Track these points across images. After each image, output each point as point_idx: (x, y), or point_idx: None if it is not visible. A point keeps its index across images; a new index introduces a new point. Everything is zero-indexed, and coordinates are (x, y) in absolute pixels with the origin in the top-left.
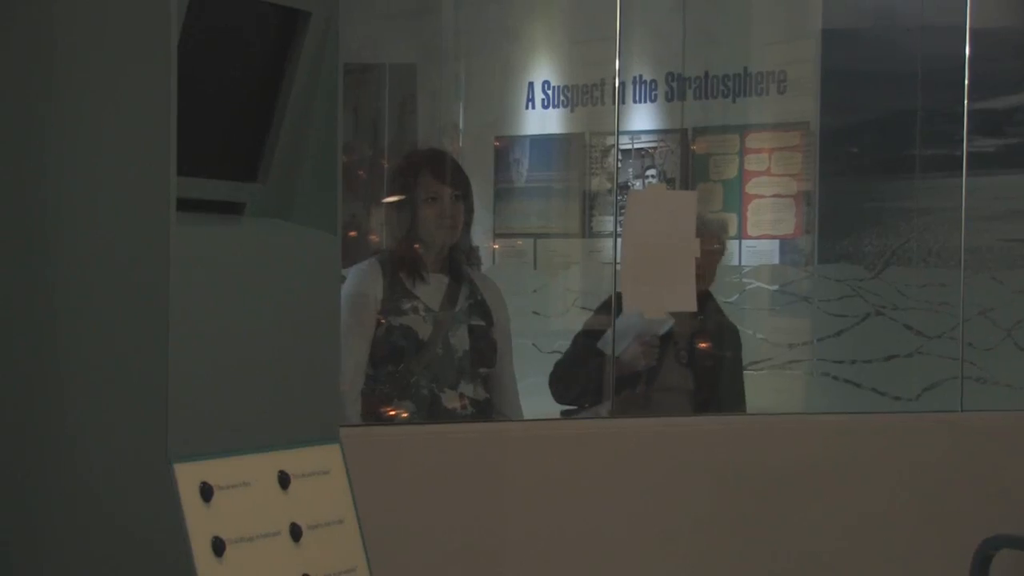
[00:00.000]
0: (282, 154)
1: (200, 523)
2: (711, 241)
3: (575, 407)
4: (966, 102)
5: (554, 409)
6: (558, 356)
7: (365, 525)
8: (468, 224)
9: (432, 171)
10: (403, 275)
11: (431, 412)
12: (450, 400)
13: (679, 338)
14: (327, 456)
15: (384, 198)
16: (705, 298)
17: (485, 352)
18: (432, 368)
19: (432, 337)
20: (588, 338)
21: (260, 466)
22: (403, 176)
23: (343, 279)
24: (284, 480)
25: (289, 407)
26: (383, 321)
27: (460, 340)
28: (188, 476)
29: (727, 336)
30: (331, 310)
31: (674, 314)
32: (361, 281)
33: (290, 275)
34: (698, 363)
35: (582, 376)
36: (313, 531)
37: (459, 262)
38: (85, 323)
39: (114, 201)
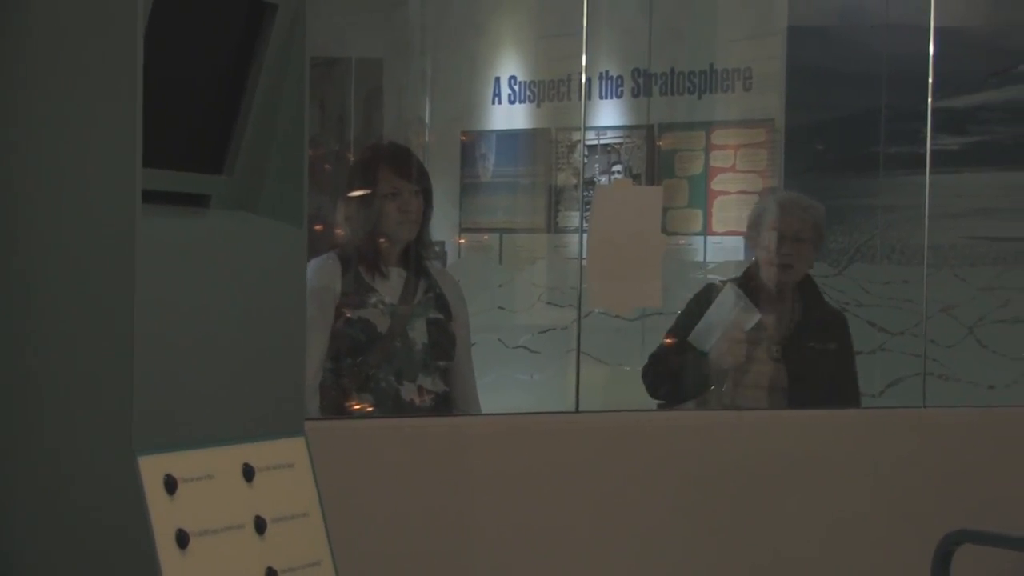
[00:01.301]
0: (248, 147)
1: (164, 516)
2: (799, 227)
3: (665, 401)
4: (929, 100)
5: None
6: (524, 351)
7: (330, 518)
8: (428, 219)
9: (392, 166)
10: (362, 269)
11: (390, 405)
12: (408, 393)
13: (773, 332)
14: (292, 449)
15: (347, 192)
16: (804, 289)
17: (444, 345)
18: (391, 361)
19: (390, 330)
20: (678, 333)
21: (224, 459)
22: (364, 170)
23: None
24: (249, 473)
25: (254, 400)
26: (343, 314)
27: (419, 333)
28: (152, 468)
29: (832, 327)
30: (297, 303)
31: (769, 307)
32: (320, 275)
33: (256, 268)
34: (795, 358)
35: (670, 371)
36: (277, 524)
37: (418, 256)
38: (50, 315)
39: (80, 193)
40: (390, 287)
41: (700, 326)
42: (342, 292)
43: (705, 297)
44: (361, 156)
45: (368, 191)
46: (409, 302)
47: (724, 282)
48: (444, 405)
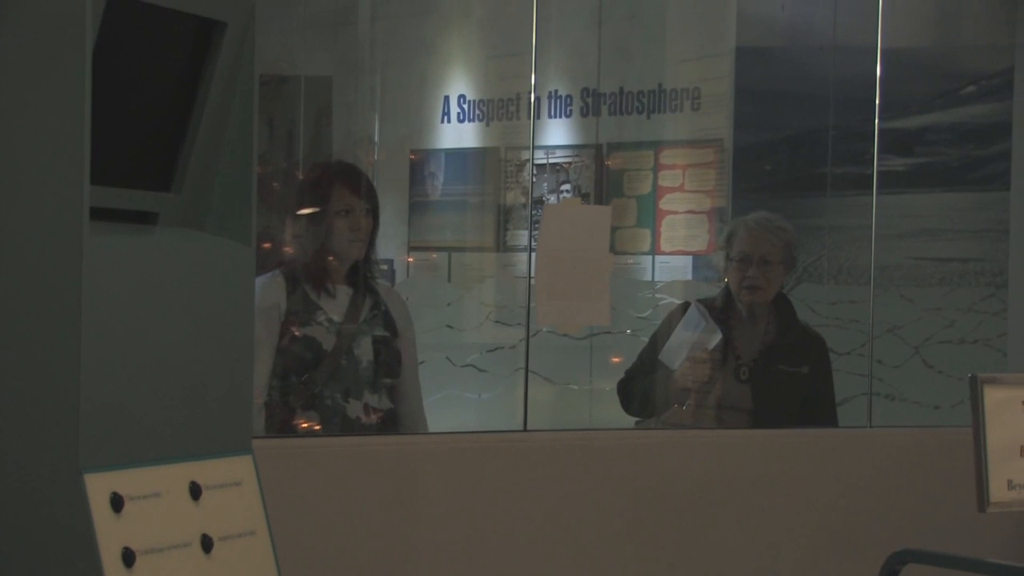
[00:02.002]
0: (197, 164)
1: (110, 533)
2: (767, 249)
3: (640, 418)
4: (876, 121)
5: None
6: (472, 370)
7: (277, 536)
8: (375, 237)
9: (346, 183)
10: (308, 287)
11: (337, 423)
12: (355, 410)
13: (741, 353)
14: (239, 467)
15: (296, 210)
16: (779, 310)
17: (390, 363)
18: (336, 379)
19: (336, 348)
20: (651, 349)
21: (171, 477)
22: (316, 188)
23: None
24: (195, 491)
25: (201, 418)
26: (289, 332)
27: (364, 351)
28: (99, 486)
29: (806, 349)
30: (245, 321)
31: (739, 328)
32: (266, 292)
33: (204, 286)
34: (763, 380)
35: (641, 387)
36: (224, 542)
37: (365, 275)
38: None
39: (27, 209)
40: (336, 305)
41: (670, 344)
42: (288, 310)
43: (677, 315)
44: (312, 173)
45: (319, 208)
46: (355, 320)
47: (694, 301)
48: (390, 423)
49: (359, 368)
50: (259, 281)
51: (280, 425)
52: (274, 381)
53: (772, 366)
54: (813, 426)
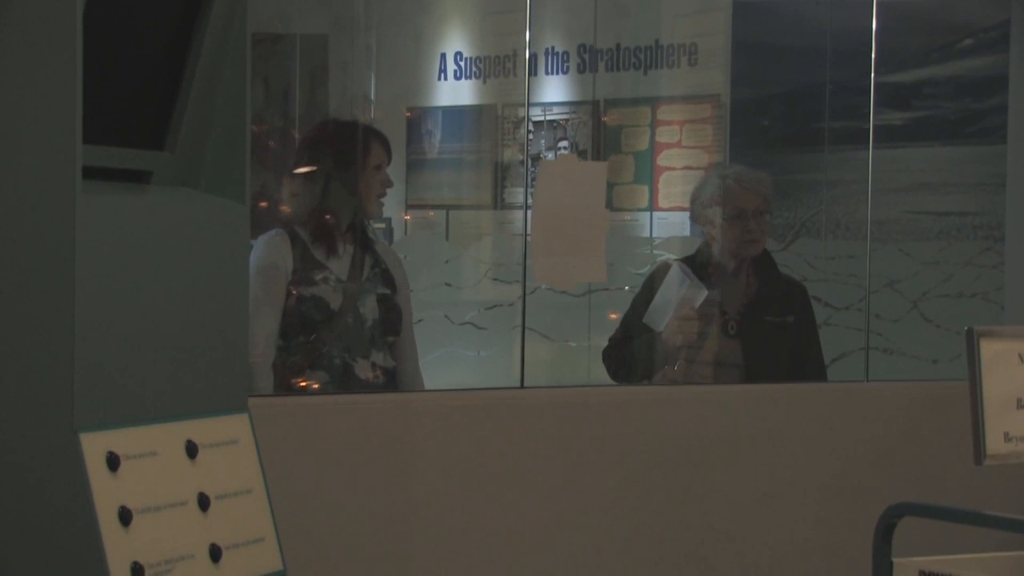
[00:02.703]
0: (190, 123)
1: (106, 493)
2: (759, 201)
3: (627, 384)
4: (872, 75)
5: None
6: (471, 328)
7: (274, 495)
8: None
9: (381, 141)
10: (314, 246)
11: (344, 382)
12: (362, 370)
13: (727, 308)
14: (235, 426)
15: (305, 167)
16: (758, 262)
17: (392, 320)
18: (343, 338)
19: (343, 307)
20: (633, 314)
21: (167, 436)
22: (350, 145)
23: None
24: (192, 450)
25: (197, 377)
26: (294, 292)
27: (369, 310)
28: (94, 446)
29: (790, 298)
30: (239, 279)
31: (722, 283)
32: (270, 252)
33: (198, 244)
34: (751, 333)
35: (628, 353)
36: (221, 501)
37: (364, 233)
38: None
39: (19, 169)
40: (340, 263)
41: (652, 306)
42: (293, 269)
43: (658, 277)
44: (342, 131)
45: (352, 166)
46: (358, 279)
47: (673, 261)
48: (392, 381)
49: (364, 327)
50: (263, 240)
51: (288, 385)
52: (280, 341)
53: (759, 318)
54: (802, 374)
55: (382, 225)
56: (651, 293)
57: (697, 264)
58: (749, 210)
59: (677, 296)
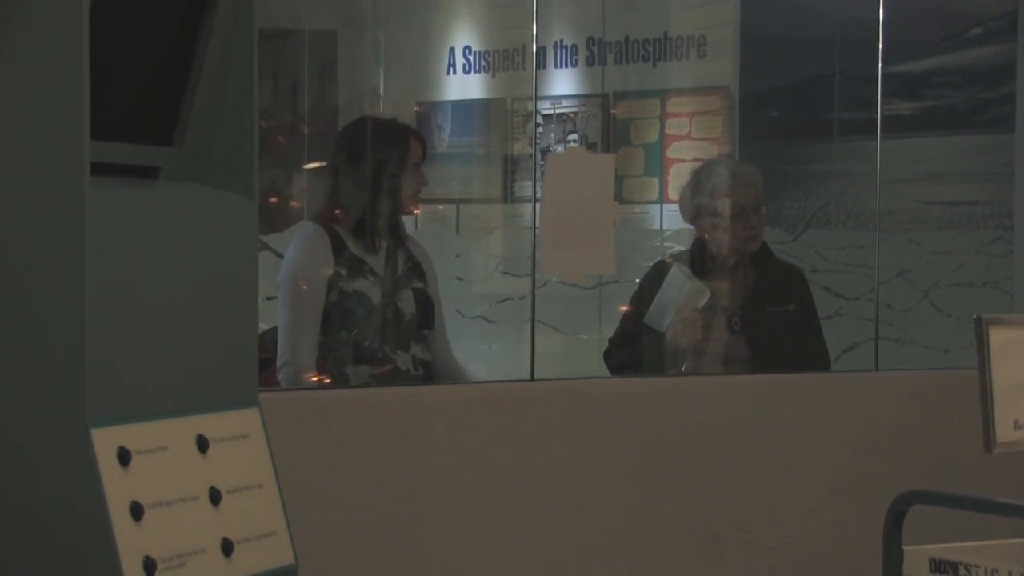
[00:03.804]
0: (198, 118)
1: (118, 488)
2: (755, 196)
3: None
4: (880, 65)
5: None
6: (482, 321)
7: (285, 489)
8: None
9: (418, 138)
10: (353, 242)
11: (386, 376)
12: (404, 363)
13: (729, 303)
14: (246, 420)
15: (345, 164)
16: (760, 256)
17: (428, 314)
18: (385, 333)
19: (383, 302)
20: (633, 314)
21: (178, 430)
22: (389, 142)
23: (263, 245)
24: (203, 444)
25: (207, 372)
26: (337, 288)
27: (407, 304)
28: (106, 441)
29: (789, 284)
30: (249, 274)
31: (722, 278)
32: (311, 249)
33: (207, 239)
34: (754, 327)
35: (630, 353)
36: (232, 495)
37: (397, 227)
38: (0, 288)
39: (28, 166)
40: (377, 259)
41: (654, 307)
42: (334, 266)
43: (655, 276)
44: (383, 128)
45: (390, 162)
46: (394, 273)
47: (671, 260)
48: (430, 373)
49: (403, 321)
50: (301, 237)
51: (335, 381)
52: (322, 337)
53: (761, 310)
54: (805, 357)
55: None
56: (650, 292)
57: (693, 263)
58: (748, 206)
59: (679, 297)
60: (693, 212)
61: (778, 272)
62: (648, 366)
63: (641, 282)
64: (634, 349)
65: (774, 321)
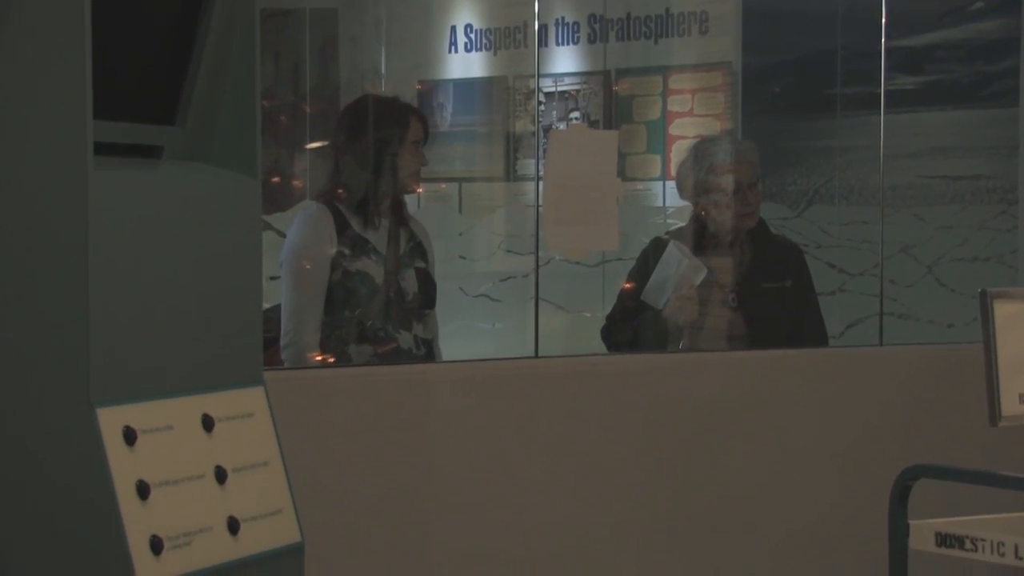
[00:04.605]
0: (200, 97)
1: (124, 467)
2: (756, 171)
3: None
4: (883, 40)
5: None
6: (485, 300)
7: (291, 467)
8: None
9: (419, 117)
10: (356, 220)
11: (389, 354)
12: (406, 342)
13: (726, 280)
14: (251, 399)
15: (345, 142)
16: (756, 232)
17: (429, 293)
18: (388, 311)
19: (386, 281)
20: (629, 291)
21: (183, 410)
22: (389, 120)
23: (266, 224)
24: (208, 423)
25: (212, 351)
26: (340, 267)
27: (409, 283)
28: (111, 420)
29: (785, 260)
30: (252, 252)
31: (719, 255)
32: (314, 228)
33: (210, 218)
34: (751, 303)
35: (628, 330)
36: (238, 474)
37: (399, 206)
38: (4, 268)
39: (31, 145)
40: (379, 238)
41: (651, 284)
42: (337, 244)
43: (652, 253)
44: (383, 107)
45: (390, 141)
46: (396, 252)
47: (668, 237)
48: (431, 352)
49: (405, 300)
50: (305, 216)
51: (336, 360)
52: (326, 316)
53: (758, 286)
54: (802, 332)
55: None
56: (647, 270)
57: (690, 240)
58: (745, 182)
59: (676, 274)
60: (691, 189)
61: (775, 248)
62: (646, 343)
63: (639, 258)
64: (632, 326)
65: (771, 297)
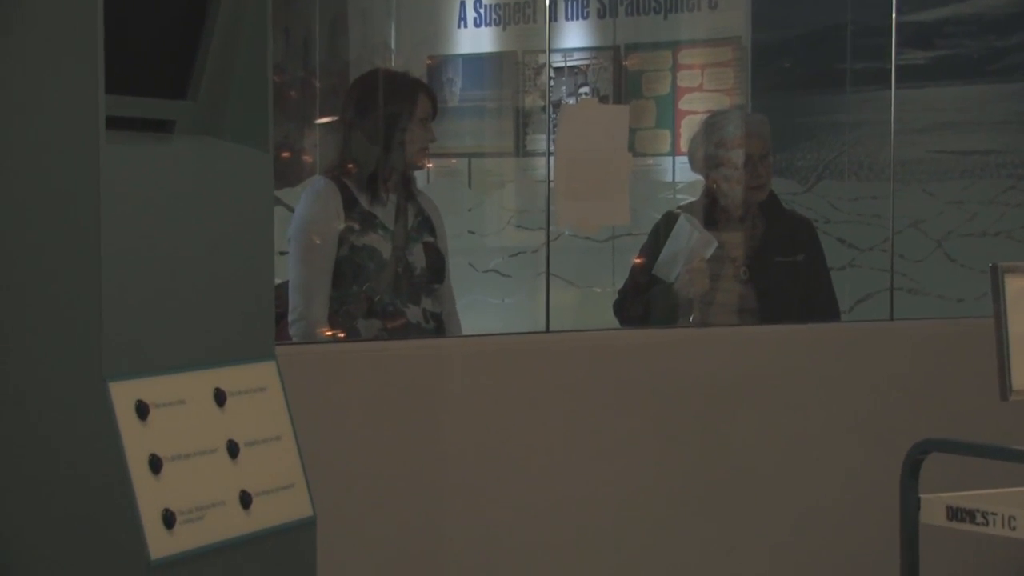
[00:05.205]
0: (212, 71)
1: (136, 441)
2: (763, 145)
3: None
4: (893, 15)
5: (479, 329)
6: (495, 275)
7: (303, 442)
8: None
9: (427, 93)
10: (363, 195)
11: (398, 328)
12: (415, 316)
13: (737, 253)
14: (263, 373)
15: (353, 116)
16: (768, 206)
17: (438, 267)
18: (396, 286)
19: (393, 255)
20: (641, 265)
21: (196, 384)
22: (397, 96)
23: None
24: (220, 397)
25: (224, 325)
26: (347, 242)
27: (417, 257)
28: (124, 394)
29: (797, 234)
30: (264, 227)
31: (730, 229)
32: (321, 203)
33: (222, 192)
34: (763, 276)
35: (639, 305)
36: (250, 448)
37: (407, 181)
38: (17, 243)
39: (43, 120)
40: (387, 213)
41: (662, 257)
42: (344, 219)
43: (664, 227)
44: (392, 82)
45: (399, 116)
46: (404, 227)
47: (679, 211)
48: (441, 326)
49: (414, 274)
50: (312, 191)
51: (347, 334)
52: (334, 291)
53: (769, 260)
54: (814, 309)
55: None
56: (658, 245)
57: (702, 212)
58: (755, 155)
59: (687, 247)
60: (702, 162)
61: (786, 222)
62: (657, 317)
63: (651, 233)
64: (644, 300)
65: (782, 271)
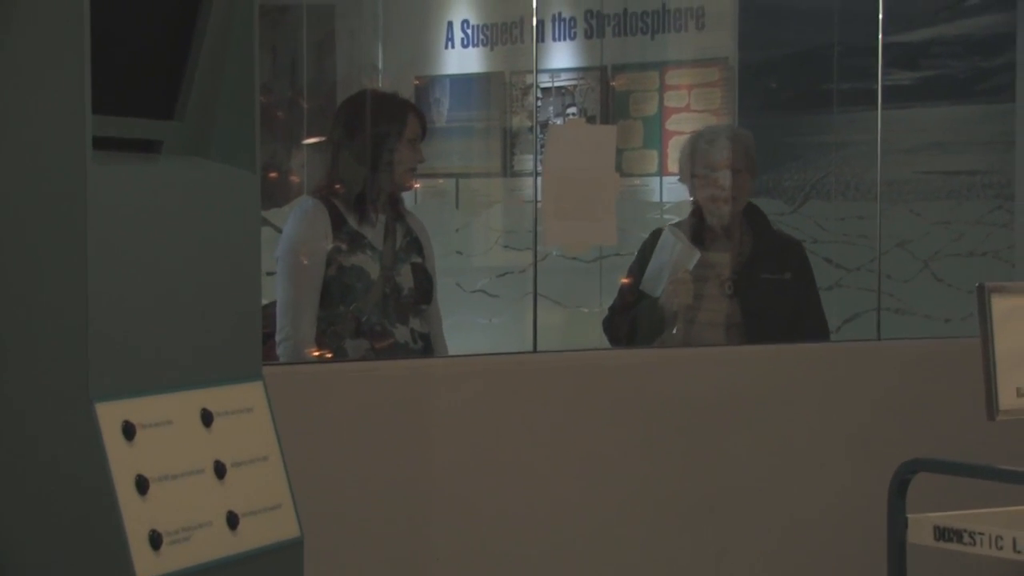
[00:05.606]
0: (199, 92)
1: (123, 461)
2: (740, 158)
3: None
4: (880, 35)
5: (466, 349)
6: (482, 295)
7: (290, 462)
8: None
9: (416, 114)
10: (351, 216)
11: (386, 349)
12: (403, 336)
13: (723, 269)
14: (250, 394)
15: (342, 137)
16: (752, 220)
17: (426, 288)
18: (384, 306)
19: (381, 276)
20: (630, 282)
21: (182, 404)
22: (387, 116)
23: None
24: (207, 418)
25: (211, 345)
26: (335, 262)
27: (405, 278)
28: (110, 415)
29: (785, 256)
30: (251, 247)
31: (715, 244)
32: (310, 223)
33: (209, 213)
34: (748, 292)
35: (627, 320)
36: (237, 468)
37: (396, 202)
38: (3, 263)
39: (29, 140)
40: (376, 233)
41: (648, 272)
42: (332, 240)
43: (651, 244)
44: (380, 103)
45: (388, 136)
46: (392, 247)
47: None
48: (429, 346)
49: (402, 294)
50: (300, 211)
51: (332, 355)
52: (322, 311)
53: (755, 276)
54: (804, 331)
55: None
56: (645, 261)
57: (689, 227)
58: (734, 167)
59: (670, 260)
60: (688, 172)
61: (775, 242)
62: (645, 332)
63: (639, 251)
64: (631, 316)
65: (767, 288)
